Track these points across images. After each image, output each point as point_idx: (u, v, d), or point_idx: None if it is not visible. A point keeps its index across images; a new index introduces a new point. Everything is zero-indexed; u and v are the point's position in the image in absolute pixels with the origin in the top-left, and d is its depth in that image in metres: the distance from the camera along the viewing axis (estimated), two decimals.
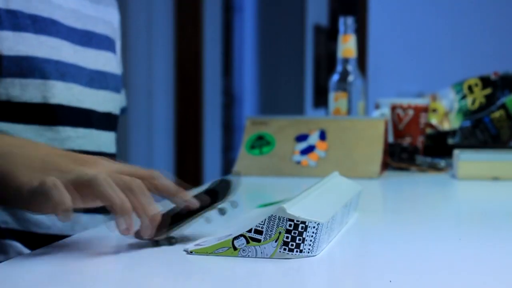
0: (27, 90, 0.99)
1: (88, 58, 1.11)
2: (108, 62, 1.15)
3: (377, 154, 1.39)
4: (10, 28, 0.99)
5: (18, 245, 0.98)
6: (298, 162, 1.40)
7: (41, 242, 0.82)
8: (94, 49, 1.12)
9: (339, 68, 1.61)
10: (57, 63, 1.03)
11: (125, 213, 0.70)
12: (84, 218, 1.06)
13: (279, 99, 5.36)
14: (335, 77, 1.61)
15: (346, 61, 1.61)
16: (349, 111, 1.59)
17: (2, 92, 0.97)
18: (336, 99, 1.60)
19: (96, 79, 1.11)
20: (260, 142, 1.45)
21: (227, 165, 4.48)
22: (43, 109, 1.01)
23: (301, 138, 1.44)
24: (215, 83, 4.38)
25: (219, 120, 4.41)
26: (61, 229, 1.01)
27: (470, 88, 1.80)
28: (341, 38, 1.61)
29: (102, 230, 0.86)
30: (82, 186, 0.72)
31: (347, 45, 1.60)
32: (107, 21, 1.19)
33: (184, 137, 3.96)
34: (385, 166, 1.48)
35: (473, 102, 1.79)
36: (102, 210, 0.82)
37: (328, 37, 5.68)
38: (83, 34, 1.11)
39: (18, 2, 1.00)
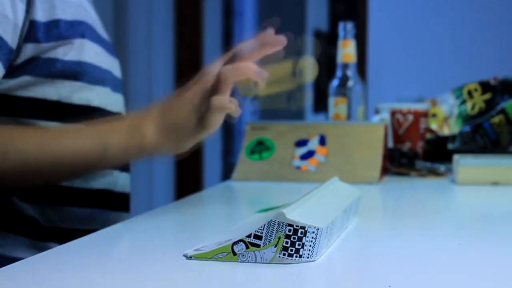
0: (75, 92, 1.07)
1: (113, 65, 1.19)
2: (118, 68, 1.23)
3: (376, 159, 1.39)
4: (71, 36, 1.06)
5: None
6: (298, 167, 1.40)
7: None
8: (113, 57, 1.20)
9: (338, 73, 1.62)
10: (99, 69, 1.12)
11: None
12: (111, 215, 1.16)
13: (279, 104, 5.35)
14: (335, 82, 1.61)
15: (345, 66, 1.61)
16: (349, 116, 1.59)
17: (53, 92, 1.05)
18: (336, 104, 1.60)
19: (118, 86, 1.20)
20: (260, 147, 1.45)
21: (227, 170, 4.48)
22: (85, 110, 1.08)
23: (301, 143, 1.44)
24: None
25: (219, 130, 4.40)
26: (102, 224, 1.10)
27: (469, 93, 1.80)
28: (340, 43, 1.61)
29: (103, 234, 0.85)
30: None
31: (346, 50, 1.60)
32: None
33: None
34: (385, 171, 1.48)
35: (473, 107, 1.79)
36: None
37: (328, 42, 5.68)
38: (108, 43, 1.19)
39: (70, 11, 1.07)
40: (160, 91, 3.83)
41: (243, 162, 1.43)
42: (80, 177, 1.10)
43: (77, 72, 1.07)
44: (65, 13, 1.07)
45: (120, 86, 1.23)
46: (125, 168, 1.22)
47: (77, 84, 1.08)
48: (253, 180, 1.40)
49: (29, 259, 0.72)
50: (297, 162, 1.41)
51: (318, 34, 5.60)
